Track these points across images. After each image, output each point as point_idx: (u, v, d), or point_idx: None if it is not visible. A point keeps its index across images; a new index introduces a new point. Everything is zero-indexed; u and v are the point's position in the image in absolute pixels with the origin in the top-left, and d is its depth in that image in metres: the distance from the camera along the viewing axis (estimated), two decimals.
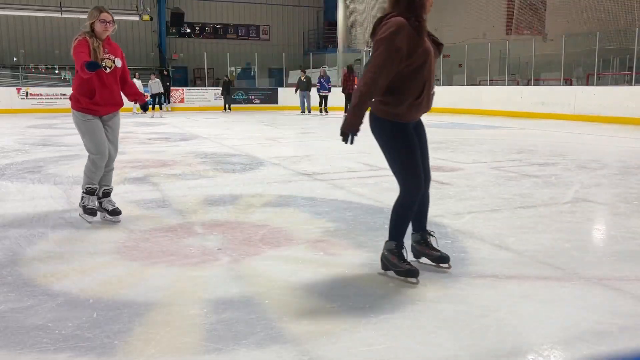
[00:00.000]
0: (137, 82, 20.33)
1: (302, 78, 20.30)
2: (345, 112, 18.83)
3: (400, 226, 3.00)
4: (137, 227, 4.18)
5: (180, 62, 27.51)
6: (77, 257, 3.48)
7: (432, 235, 3.21)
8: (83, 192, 4.36)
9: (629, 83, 16.74)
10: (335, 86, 20.80)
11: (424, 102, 2.91)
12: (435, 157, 7.91)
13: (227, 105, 22.50)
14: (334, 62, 25.14)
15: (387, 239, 3.06)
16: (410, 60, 2.79)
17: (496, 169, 6.82)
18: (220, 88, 22.72)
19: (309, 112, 20.38)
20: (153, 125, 15.00)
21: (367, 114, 2.94)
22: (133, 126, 14.69)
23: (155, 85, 19.93)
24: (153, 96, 19.60)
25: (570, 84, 18.24)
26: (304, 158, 7.98)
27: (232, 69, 26.23)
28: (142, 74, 21.90)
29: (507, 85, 19.26)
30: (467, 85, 20.62)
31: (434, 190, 5.55)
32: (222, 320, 2.51)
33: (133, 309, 2.64)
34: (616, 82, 18.83)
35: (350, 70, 18.66)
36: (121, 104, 4.33)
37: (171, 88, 22.87)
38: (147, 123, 15.94)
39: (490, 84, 19.64)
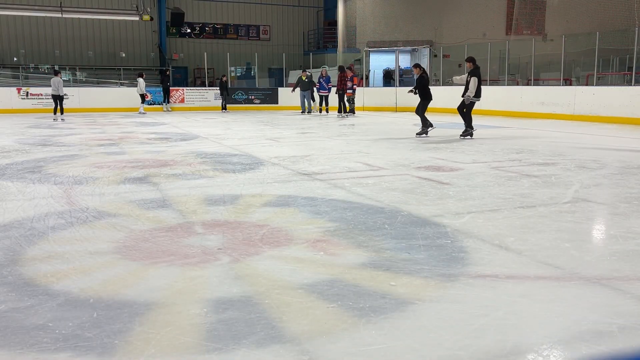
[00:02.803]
0: (142, 82, 20.61)
1: (304, 78, 20.19)
2: (339, 112, 18.90)
3: None
4: (137, 227, 4.18)
5: (180, 62, 27.51)
6: (77, 257, 3.48)
7: None
8: None
9: (629, 83, 16.73)
10: (335, 86, 20.79)
11: None
12: (435, 157, 7.92)
13: (224, 105, 22.48)
14: (334, 62, 25.14)
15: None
16: None
17: (496, 169, 6.83)
18: (219, 88, 22.74)
19: (309, 112, 20.36)
20: (153, 125, 15.00)
21: None
22: (133, 126, 14.69)
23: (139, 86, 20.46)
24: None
25: (570, 84, 18.23)
26: (304, 158, 7.98)
27: (233, 69, 26.23)
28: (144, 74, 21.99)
29: (507, 85, 19.25)
30: None
31: (433, 190, 5.58)
32: (222, 320, 2.52)
33: (133, 309, 2.64)
34: (616, 82, 18.81)
35: (342, 70, 18.76)
36: None
37: (171, 88, 22.91)
38: (147, 123, 15.94)
39: (490, 84, 19.63)
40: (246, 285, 2.98)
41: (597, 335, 2.36)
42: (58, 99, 16.99)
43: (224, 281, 3.03)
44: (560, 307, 2.65)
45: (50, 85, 17.96)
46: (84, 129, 13.75)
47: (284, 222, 4.31)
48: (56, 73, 17.53)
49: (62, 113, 17.02)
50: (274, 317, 2.56)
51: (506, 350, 2.23)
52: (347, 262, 3.33)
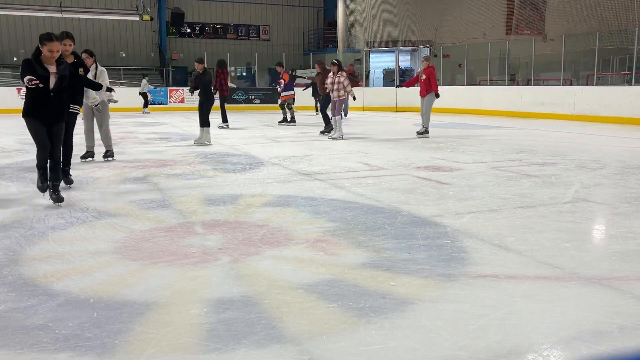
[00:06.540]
0: (145, 82, 21.07)
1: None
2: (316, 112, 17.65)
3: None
4: (137, 227, 4.18)
5: (180, 62, 27.50)
6: (77, 257, 3.48)
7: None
8: None
9: (629, 83, 16.73)
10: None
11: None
12: (435, 157, 7.92)
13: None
14: None
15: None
16: None
17: (496, 169, 6.82)
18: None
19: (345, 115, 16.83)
20: (153, 125, 14.99)
21: None
22: (133, 126, 14.68)
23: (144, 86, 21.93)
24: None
25: (570, 84, 18.23)
26: (303, 158, 7.98)
27: (233, 68, 26.21)
28: (140, 74, 22.41)
29: (507, 85, 19.25)
30: (467, 85, 20.61)
31: (433, 190, 5.58)
32: (222, 320, 2.52)
33: (133, 309, 2.64)
34: (616, 82, 18.81)
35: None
36: None
37: (169, 88, 23.18)
38: (147, 123, 15.94)
39: (490, 84, 19.62)
40: (246, 285, 2.98)
41: (597, 335, 2.35)
42: (144, 96, 20.91)
43: (224, 281, 3.03)
44: (560, 307, 2.65)
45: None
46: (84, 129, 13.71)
47: (284, 222, 4.31)
48: (144, 76, 21.59)
49: (145, 107, 20.94)
50: (274, 317, 2.55)
51: (506, 350, 2.23)
52: (347, 262, 3.33)
